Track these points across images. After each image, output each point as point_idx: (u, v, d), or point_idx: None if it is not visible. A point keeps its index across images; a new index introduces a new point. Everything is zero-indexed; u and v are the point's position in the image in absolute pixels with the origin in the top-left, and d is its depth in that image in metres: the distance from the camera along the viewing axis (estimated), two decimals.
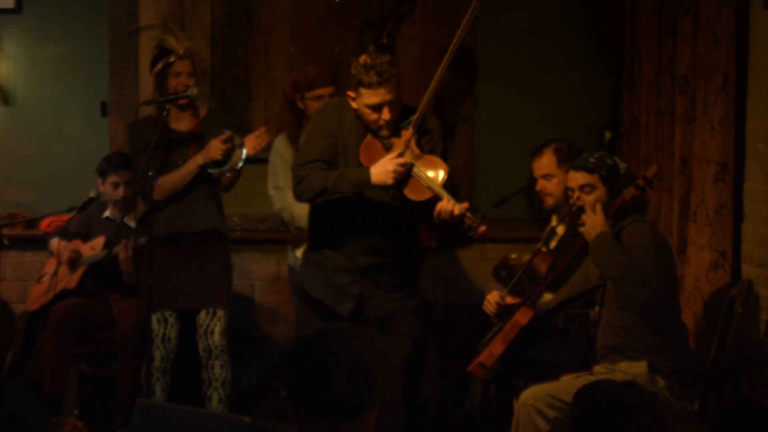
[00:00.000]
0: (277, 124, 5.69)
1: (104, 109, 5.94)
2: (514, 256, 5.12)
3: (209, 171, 4.69)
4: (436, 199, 4.01)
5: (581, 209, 4.05)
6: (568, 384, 3.83)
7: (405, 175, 4.05)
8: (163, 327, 4.82)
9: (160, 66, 4.71)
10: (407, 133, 4.09)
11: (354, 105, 4.15)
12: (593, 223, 3.98)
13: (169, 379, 4.87)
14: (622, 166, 4.07)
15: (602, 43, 5.93)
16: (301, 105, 5.10)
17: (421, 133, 4.16)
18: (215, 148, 4.62)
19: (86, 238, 5.38)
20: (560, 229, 4.81)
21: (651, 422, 2.27)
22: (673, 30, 4.84)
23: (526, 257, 4.90)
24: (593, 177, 4.02)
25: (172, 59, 4.69)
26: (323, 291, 4.28)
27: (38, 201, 5.94)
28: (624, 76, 5.70)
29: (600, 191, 4.02)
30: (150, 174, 4.46)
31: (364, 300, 4.24)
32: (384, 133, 4.12)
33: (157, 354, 4.79)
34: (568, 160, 4.65)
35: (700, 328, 4.47)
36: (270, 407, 5.46)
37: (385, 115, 4.06)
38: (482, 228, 3.97)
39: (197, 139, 4.77)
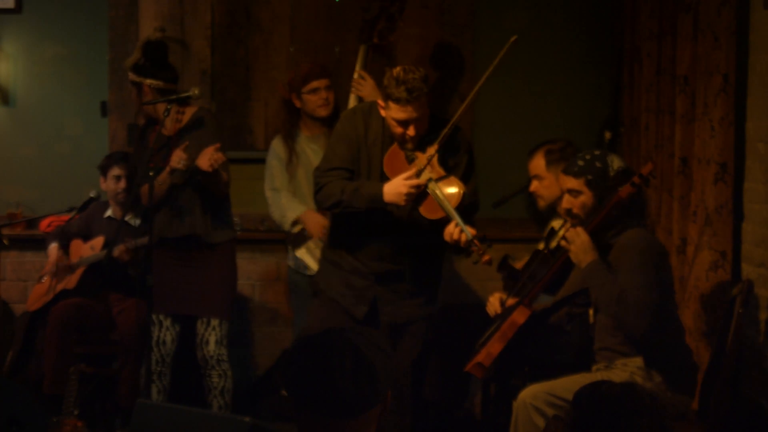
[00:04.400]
0: (275, 124, 5.68)
1: (104, 109, 5.93)
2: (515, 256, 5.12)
3: (170, 178, 4.67)
4: (448, 220, 4.00)
5: (569, 213, 4.02)
6: (568, 382, 3.82)
7: (420, 193, 4.03)
8: (157, 330, 4.81)
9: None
10: (430, 150, 4.04)
11: (383, 113, 4.11)
12: (581, 246, 3.94)
13: (167, 383, 4.85)
14: (613, 168, 3.96)
15: (602, 43, 5.92)
16: (298, 103, 5.09)
17: (446, 147, 4.10)
18: (176, 156, 4.60)
19: (87, 238, 5.37)
20: (561, 231, 4.79)
21: (651, 425, 2.27)
22: (673, 30, 4.84)
23: (527, 258, 4.89)
24: (579, 182, 3.96)
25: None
26: (341, 291, 4.26)
27: (38, 201, 5.94)
28: (624, 76, 5.69)
29: (586, 196, 3.96)
30: (151, 174, 4.46)
31: (378, 305, 4.23)
32: (409, 146, 4.08)
33: (152, 357, 4.78)
34: (558, 162, 4.63)
35: (700, 328, 4.47)
36: (270, 407, 5.45)
37: (411, 131, 4.03)
38: (486, 257, 3.95)
39: (190, 129, 4.74)
